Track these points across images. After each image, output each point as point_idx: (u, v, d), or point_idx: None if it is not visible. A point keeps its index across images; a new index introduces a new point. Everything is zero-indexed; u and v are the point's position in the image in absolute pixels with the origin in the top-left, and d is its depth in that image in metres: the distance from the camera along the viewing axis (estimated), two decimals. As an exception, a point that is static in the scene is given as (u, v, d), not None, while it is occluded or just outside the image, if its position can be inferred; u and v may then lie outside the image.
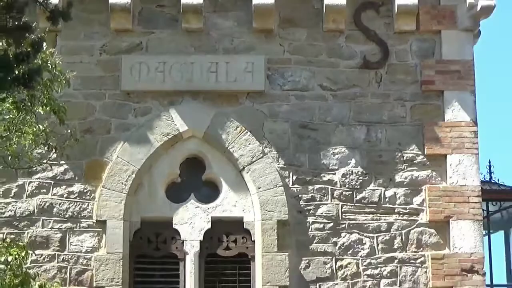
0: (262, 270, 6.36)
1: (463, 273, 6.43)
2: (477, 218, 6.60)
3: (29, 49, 3.98)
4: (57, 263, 6.44)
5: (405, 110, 6.74)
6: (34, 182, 6.54)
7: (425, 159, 6.65)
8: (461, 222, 6.52)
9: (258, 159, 6.57)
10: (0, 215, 6.47)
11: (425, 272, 6.44)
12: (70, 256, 6.45)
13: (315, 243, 6.46)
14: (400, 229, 6.53)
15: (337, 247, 6.46)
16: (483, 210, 7.30)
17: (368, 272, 6.45)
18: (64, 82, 5.49)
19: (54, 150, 5.86)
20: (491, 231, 8.31)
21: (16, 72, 3.95)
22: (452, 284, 6.40)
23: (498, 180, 8.37)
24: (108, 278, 6.35)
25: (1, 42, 4.06)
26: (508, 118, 21.37)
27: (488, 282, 7.20)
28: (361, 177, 6.59)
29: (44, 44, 4.66)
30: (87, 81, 6.67)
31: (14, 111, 5.24)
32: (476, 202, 6.63)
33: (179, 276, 6.54)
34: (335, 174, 6.59)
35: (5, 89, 4.20)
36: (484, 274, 6.64)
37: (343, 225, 6.51)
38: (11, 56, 3.88)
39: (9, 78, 3.90)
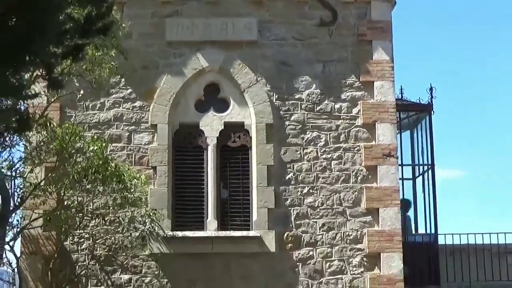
0: (256, 155, 10.66)
1: (384, 156, 10.72)
2: (393, 122, 10.92)
3: (105, 11, 6.14)
4: (126, 151, 10.73)
5: (347, 53, 11.03)
6: (111, 100, 10.80)
7: (360, 84, 10.94)
8: (383, 125, 10.83)
9: (253, 84, 10.81)
10: (90, 121, 10.72)
11: (360, 156, 10.76)
12: (134, 147, 10.72)
13: (290, 137, 10.78)
14: (344, 129, 10.83)
15: (304, 140, 10.76)
16: (396, 117, 11.59)
17: (324, 156, 10.77)
18: (126, 32, 9.61)
19: (123, 78, 10.21)
20: (401, 130, 12.77)
21: (97, 25, 6.08)
22: (377, 163, 10.75)
23: (406, 98, 12.81)
24: (159, 160, 10.65)
25: (87, 6, 6.20)
26: (416, 56, 33.67)
27: (399, 162, 11.54)
28: (319, 96, 10.89)
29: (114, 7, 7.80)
30: (143, 36, 10.88)
31: (96, 52, 9.25)
32: (392, 112, 10.95)
33: (203, 160, 10.87)
34: (302, 94, 10.87)
35: (90, 37, 6.43)
36: (397, 157, 11.02)
37: (308, 127, 10.78)
38: (93, 14, 5.99)
39: (93, 28, 6.12)
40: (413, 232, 12.99)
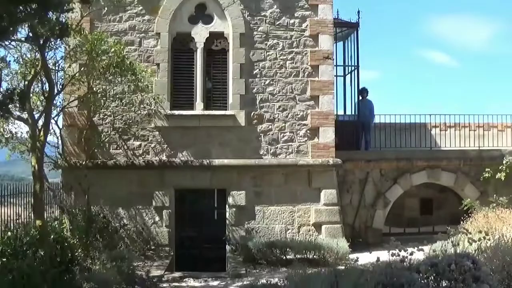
0: (232, 56, 15.47)
1: (324, 58, 15.77)
2: (331, 34, 15.97)
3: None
4: (137, 52, 15.38)
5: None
6: (127, 14, 15.43)
7: (308, 6, 15.74)
8: (324, 36, 15.82)
9: (231, 4, 15.53)
10: (112, 30, 15.23)
11: (307, 58, 15.72)
12: (143, 49, 15.40)
13: (257, 43, 15.65)
14: (296, 38, 15.72)
15: (267, 46, 15.65)
16: (334, 31, 16.65)
17: (281, 57, 15.68)
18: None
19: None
20: (337, 41, 18.06)
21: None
22: (319, 63, 15.71)
23: (341, 18, 17.97)
24: (161, 59, 15.39)
25: None
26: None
27: (334, 63, 16.85)
28: (279, 14, 15.66)
29: None
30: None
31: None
32: (330, 27, 15.95)
33: (194, 59, 15.62)
34: (267, 12, 15.68)
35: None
36: (332, 59, 16.17)
37: (270, 36, 15.64)
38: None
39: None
40: (373, 112, 18.74)
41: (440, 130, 19.47)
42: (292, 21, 15.79)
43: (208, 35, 15.60)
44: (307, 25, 15.82)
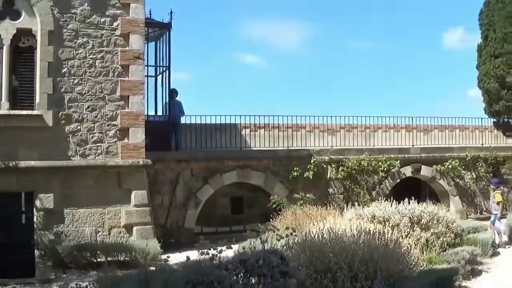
0: (40, 54, 16.28)
1: (134, 58, 17.03)
2: (142, 34, 17.36)
3: None
4: None
5: None
6: None
7: (120, 5, 16.94)
8: (135, 35, 17.11)
9: (40, 1, 16.38)
10: None
11: (117, 57, 16.95)
12: None
13: (66, 41, 16.75)
14: (107, 37, 16.84)
15: (76, 44, 16.75)
16: (145, 31, 18.12)
17: (91, 56, 16.74)
18: None
19: None
20: (149, 41, 19.62)
21: None
22: (129, 63, 16.93)
23: (153, 18, 19.55)
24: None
25: None
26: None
27: (145, 63, 18.38)
28: (89, 12, 16.75)
29: None
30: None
31: None
32: (142, 27, 17.31)
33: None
34: (77, 9, 16.65)
35: None
36: (143, 59, 17.66)
37: (80, 34, 16.69)
38: None
39: None
40: (183, 113, 20.46)
41: (251, 131, 21.80)
42: (103, 19, 16.96)
43: (15, 32, 16.21)
44: (118, 24, 17.06)
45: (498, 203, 17.73)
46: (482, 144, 25.90)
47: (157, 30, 19.99)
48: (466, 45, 72.10)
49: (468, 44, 63.17)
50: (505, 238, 17.88)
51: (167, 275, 8.41)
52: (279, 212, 17.51)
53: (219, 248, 8.37)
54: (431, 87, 69.34)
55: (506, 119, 23.71)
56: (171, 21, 19.61)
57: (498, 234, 17.45)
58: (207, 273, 7.67)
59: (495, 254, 15.90)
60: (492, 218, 17.93)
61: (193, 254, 8.65)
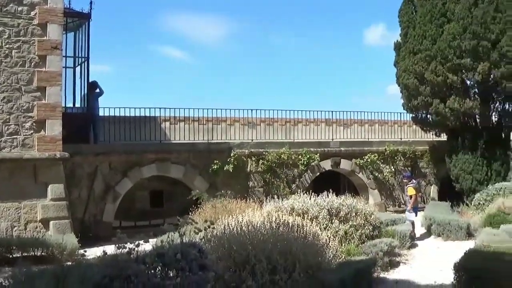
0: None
1: (52, 48, 16.77)
2: (60, 23, 17.07)
3: None
4: None
5: None
6: None
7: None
8: (53, 25, 16.82)
9: (-49, -14, 16.18)
10: None
11: (34, 47, 16.69)
12: None
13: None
14: (23, 26, 16.53)
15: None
16: (64, 21, 17.99)
17: (7, 46, 16.45)
18: None
19: None
20: (68, 31, 19.43)
21: None
22: (46, 53, 16.59)
23: (73, 8, 19.44)
24: None
25: None
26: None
27: (64, 54, 18.26)
28: (6, 0, 16.68)
29: None
30: None
31: None
32: (60, 16, 17.01)
33: None
34: (-9, -3, 16.61)
35: None
36: (61, 50, 17.47)
37: (-5, 23, 16.66)
38: None
39: None
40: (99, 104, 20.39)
41: (171, 124, 21.98)
42: (20, 8, 16.64)
43: None
44: (36, 13, 16.78)
45: (410, 197, 18.52)
46: (401, 139, 26.83)
47: (76, 20, 19.77)
48: (387, 42, 74.19)
49: (389, 41, 64.92)
50: (423, 230, 18.73)
51: (83, 270, 8.36)
52: (199, 206, 17.69)
53: (136, 242, 8.28)
54: (352, 82, 71.24)
55: (424, 114, 24.49)
56: (90, 11, 19.51)
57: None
58: (124, 268, 7.57)
59: (413, 246, 16.55)
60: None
61: (111, 249, 8.54)
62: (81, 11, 19.60)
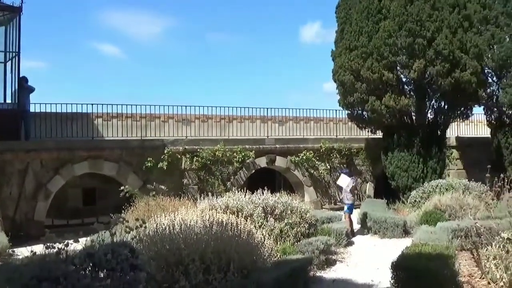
0: None
1: None
2: None
3: None
4: None
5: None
6: None
7: None
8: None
9: None
10: None
11: None
12: None
13: None
14: None
15: None
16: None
17: None
18: None
19: None
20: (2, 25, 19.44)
21: None
22: None
23: (3, 1, 19.19)
24: None
25: None
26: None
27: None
28: None
29: None
30: None
31: None
32: None
33: None
34: None
35: None
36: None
37: None
38: None
39: None
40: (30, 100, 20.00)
41: (103, 120, 22.00)
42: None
43: None
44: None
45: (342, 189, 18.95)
46: (337, 136, 27.30)
47: (7, 14, 19.51)
48: (323, 39, 75.04)
49: (325, 39, 65.82)
50: (359, 227, 19.18)
51: (11, 271, 8.08)
52: (132, 203, 17.68)
53: (66, 242, 8.11)
54: (287, 79, 71.86)
55: (360, 111, 24.82)
56: (21, 5, 19.24)
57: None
58: (53, 269, 7.41)
59: (349, 243, 16.80)
60: (345, 209, 18.90)
61: (40, 248, 8.39)
62: (12, 4, 19.31)
